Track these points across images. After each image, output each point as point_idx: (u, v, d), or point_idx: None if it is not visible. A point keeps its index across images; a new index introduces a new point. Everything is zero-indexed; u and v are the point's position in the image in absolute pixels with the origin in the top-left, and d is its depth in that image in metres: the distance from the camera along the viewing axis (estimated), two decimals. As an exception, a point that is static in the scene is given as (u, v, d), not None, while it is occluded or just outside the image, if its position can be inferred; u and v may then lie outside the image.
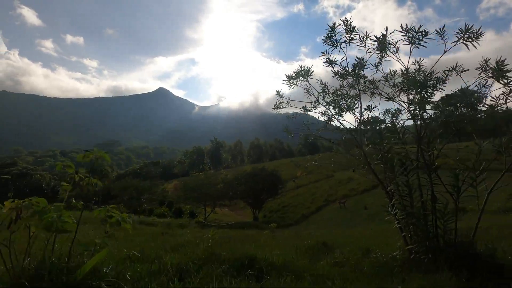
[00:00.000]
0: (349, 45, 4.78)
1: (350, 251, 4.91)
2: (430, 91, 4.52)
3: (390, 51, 4.22)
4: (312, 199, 36.67)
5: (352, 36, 4.62)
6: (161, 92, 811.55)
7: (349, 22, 4.54)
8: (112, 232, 8.96)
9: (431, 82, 4.36)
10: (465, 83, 4.33)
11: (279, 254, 4.08)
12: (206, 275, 3.09)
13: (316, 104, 5.57)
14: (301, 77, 4.90)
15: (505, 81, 3.77)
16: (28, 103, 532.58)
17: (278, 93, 5.23)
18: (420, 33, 3.81)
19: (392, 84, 4.45)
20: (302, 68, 4.89)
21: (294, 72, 4.86)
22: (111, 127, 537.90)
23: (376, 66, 4.50)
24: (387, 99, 4.48)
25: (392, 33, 4.04)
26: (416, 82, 4.48)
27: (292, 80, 4.88)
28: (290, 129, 5.34)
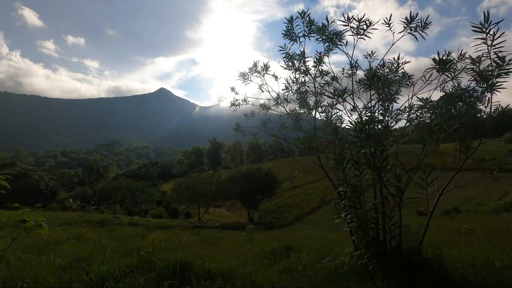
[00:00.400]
0: (309, 39, 4.54)
1: (307, 255, 4.68)
2: (386, 89, 4.21)
3: (339, 43, 3.94)
4: (308, 199, 36.35)
5: (313, 28, 4.37)
6: (162, 93, 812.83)
7: (306, 15, 4.30)
8: (82, 234, 8.76)
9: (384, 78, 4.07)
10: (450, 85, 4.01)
11: (220, 261, 3.86)
12: (127, 284, 2.88)
13: (278, 101, 5.35)
14: (256, 73, 4.67)
15: (452, 74, 3.52)
16: (29, 104, 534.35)
17: (233, 89, 5.00)
18: (364, 23, 3.55)
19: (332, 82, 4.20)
20: (257, 64, 4.65)
21: (249, 68, 4.63)
22: (112, 128, 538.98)
23: (319, 60, 4.23)
24: (335, 98, 4.22)
25: (333, 23, 3.75)
26: (373, 77, 4.22)
27: (248, 75, 4.65)
28: (242, 127, 5.10)
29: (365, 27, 3.54)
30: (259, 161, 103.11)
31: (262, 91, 4.79)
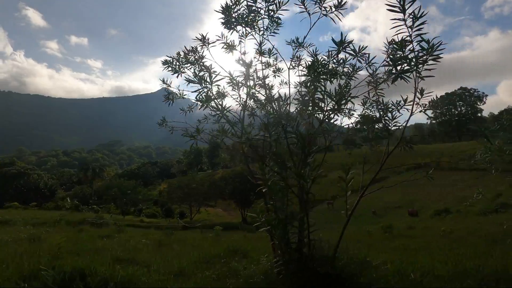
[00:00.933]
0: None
1: (245, 260, 4.35)
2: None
3: (256, 30, 3.54)
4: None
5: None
6: (164, 92, 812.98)
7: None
8: (39, 235, 8.45)
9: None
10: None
11: (123, 268, 3.52)
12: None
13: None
14: (189, 64, 4.28)
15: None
16: (32, 103, 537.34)
17: (164, 82, 4.64)
18: (273, 3, 3.12)
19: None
20: (189, 51, 4.20)
21: (177, 55, 4.17)
22: (114, 127, 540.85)
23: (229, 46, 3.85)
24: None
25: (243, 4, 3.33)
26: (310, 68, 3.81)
27: (176, 65, 4.21)
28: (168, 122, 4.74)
29: (275, 8, 3.13)
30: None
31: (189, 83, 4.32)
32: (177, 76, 4.47)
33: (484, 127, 3.80)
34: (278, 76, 4.14)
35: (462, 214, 15.73)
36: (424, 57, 2.76)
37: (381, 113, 3.40)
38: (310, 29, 3.30)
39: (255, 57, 3.99)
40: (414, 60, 2.68)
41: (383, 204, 26.56)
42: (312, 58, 3.29)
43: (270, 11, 3.18)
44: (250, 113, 4.29)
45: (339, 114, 3.38)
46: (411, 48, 2.76)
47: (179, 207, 31.03)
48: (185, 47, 4.24)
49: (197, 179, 32.68)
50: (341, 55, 3.24)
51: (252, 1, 3.17)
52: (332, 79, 3.35)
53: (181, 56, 4.26)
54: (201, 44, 4.05)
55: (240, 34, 3.61)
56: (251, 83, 3.79)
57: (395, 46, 2.86)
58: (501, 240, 7.72)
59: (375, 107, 3.60)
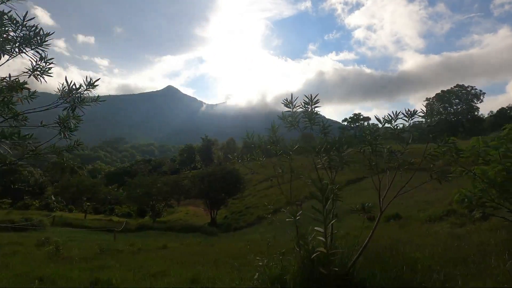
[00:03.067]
0: None
1: None
2: None
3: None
4: (277, 200, 35.01)
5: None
6: (170, 90, 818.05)
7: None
8: None
9: None
10: None
11: None
12: None
13: None
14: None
15: None
16: (39, 101, 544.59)
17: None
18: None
19: None
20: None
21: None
22: (120, 125, 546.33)
23: None
24: None
25: None
26: None
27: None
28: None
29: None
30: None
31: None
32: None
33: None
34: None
35: (412, 220, 14.64)
36: None
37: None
38: None
39: None
40: None
41: (351, 207, 25.49)
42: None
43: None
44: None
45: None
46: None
47: (136, 207, 30.37)
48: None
49: (160, 179, 31.93)
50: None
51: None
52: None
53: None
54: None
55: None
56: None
57: None
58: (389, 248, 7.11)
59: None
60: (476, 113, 70.37)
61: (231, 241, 15.36)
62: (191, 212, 43.07)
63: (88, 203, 29.90)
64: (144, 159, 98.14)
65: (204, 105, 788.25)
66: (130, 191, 30.17)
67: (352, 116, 60.33)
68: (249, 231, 25.93)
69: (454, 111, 71.55)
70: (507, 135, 5.13)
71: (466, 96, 69.96)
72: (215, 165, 41.14)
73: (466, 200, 5.29)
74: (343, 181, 36.06)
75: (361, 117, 59.27)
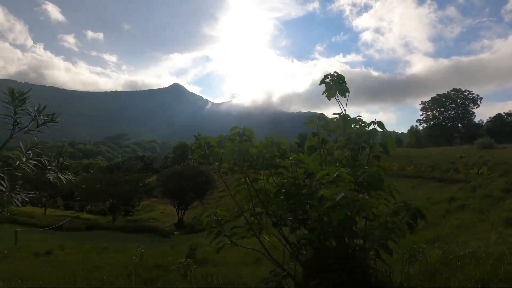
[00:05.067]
0: None
1: None
2: None
3: None
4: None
5: None
6: (176, 88, 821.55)
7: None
8: None
9: None
10: None
11: None
12: None
13: None
14: None
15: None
16: (48, 95, 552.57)
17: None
18: None
19: None
20: None
21: None
22: (125, 121, 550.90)
23: None
24: None
25: None
26: None
27: None
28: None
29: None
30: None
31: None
32: None
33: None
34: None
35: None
36: None
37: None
38: None
39: None
40: None
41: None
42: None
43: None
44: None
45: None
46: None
47: (93, 206, 29.67)
48: None
49: (121, 177, 31.13)
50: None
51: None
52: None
53: None
54: None
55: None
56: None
57: None
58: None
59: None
60: (471, 118, 68.08)
61: (156, 247, 14.41)
62: (168, 211, 42.38)
63: (44, 198, 29.31)
64: (137, 156, 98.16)
65: (210, 104, 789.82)
66: (86, 189, 29.39)
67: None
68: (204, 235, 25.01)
69: (448, 116, 69.27)
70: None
71: (462, 101, 67.72)
72: (186, 164, 40.31)
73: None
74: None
75: (348, 118, 57.57)
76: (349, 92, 3.12)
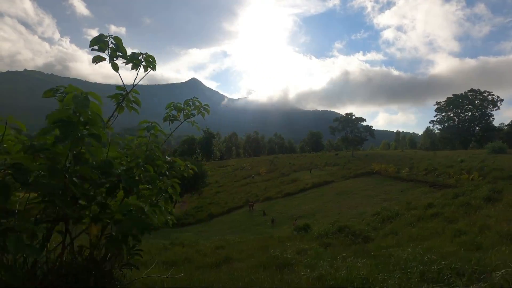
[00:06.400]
0: None
1: None
2: None
3: None
4: (239, 198, 33.79)
5: None
6: (193, 83, 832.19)
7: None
8: None
9: None
10: None
11: None
12: None
13: None
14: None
15: None
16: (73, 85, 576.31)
17: None
18: None
19: None
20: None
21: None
22: (143, 113, 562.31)
23: None
24: None
25: None
26: None
27: None
28: None
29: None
30: (255, 155, 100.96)
31: None
32: None
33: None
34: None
35: (314, 232, 13.01)
36: None
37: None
38: None
39: None
40: None
41: (298, 212, 23.82)
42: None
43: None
44: None
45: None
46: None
47: None
48: None
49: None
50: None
51: None
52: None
53: None
54: None
55: None
56: None
57: None
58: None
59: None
60: (490, 121, 64.02)
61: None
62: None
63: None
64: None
65: (226, 99, 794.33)
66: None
67: (344, 116, 57.00)
68: (190, 229, 24.98)
69: (464, 118, 65.51)
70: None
71: (481, 102, 63.79)
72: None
73: None
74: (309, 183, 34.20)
75: (353, 117, 55.80)
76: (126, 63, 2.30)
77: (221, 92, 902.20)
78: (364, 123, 56.74)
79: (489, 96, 64.62)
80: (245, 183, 43.84)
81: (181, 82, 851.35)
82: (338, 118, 57.53)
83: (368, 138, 57.29)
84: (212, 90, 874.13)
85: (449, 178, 22.25)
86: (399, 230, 10.93)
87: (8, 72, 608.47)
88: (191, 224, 27.43)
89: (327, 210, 21.75)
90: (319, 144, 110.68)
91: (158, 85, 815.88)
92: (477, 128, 65.33)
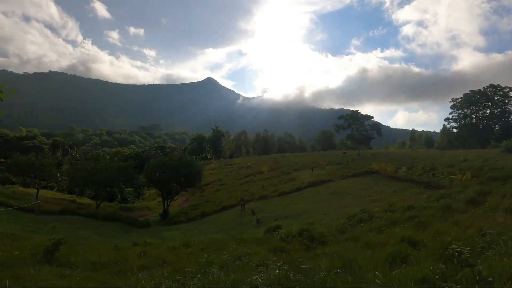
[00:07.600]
0: None
1: None
2: None
3: None
4: (235, 196, 33.37)
5: None
6: (209, 82, 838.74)
7: None
8: None
9: None
10: None
11: None
12: None
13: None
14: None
15: None
16: (93, 87, 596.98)
17: None
18: None
19: None
20: None
21: None
22: (159, 112, 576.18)
23: None
24: None
25: None
26: None
27: None
28: None
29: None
30: (264, 153, 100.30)
31: None
32: None
33: None
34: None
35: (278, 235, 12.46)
36: None
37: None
38: None
39: None
40: None
41: (287, 212, 23.05)
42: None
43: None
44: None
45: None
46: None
47: (78, 190, 30.60)
48: None
49: (105, 166, 31.75)
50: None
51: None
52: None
53: None
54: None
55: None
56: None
57: None
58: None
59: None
60: (511, 119, 59.95)
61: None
62: (156, 202, 43.04)
63: (42, 181, 30.77)
64: (158, 146, 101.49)
65: (241, 98, 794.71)
66: (73, 175, 30.56)
67: (350, 113, 55.07)
68: (180, 227, 24.84)
69: (483, 115, 61.73)
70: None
71: (501, 99, 59.89)
72: (177, 154, 40.34)
73: None
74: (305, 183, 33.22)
75: (359, 114, 53.83)
76: None
77: (236, 91, 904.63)
78: (372, 120, 54.89)
79: (510, 92, 60.58)
80: (244, 182, 43.43)
81: (197, 82, 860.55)
82: (343, 115, 55.75)
83: (375, 136, 55.22)
84: (227, 89, 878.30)
85: (445, 178, 20.84)
86: (363, 236, 10.08)
87: (34, 73, 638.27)
88: (182, 222, 27.29)
89: (315, 211, 20.91)
90: (331, 142, 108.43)
91: (175, 84, 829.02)
92: (497, 126, 61.55)
